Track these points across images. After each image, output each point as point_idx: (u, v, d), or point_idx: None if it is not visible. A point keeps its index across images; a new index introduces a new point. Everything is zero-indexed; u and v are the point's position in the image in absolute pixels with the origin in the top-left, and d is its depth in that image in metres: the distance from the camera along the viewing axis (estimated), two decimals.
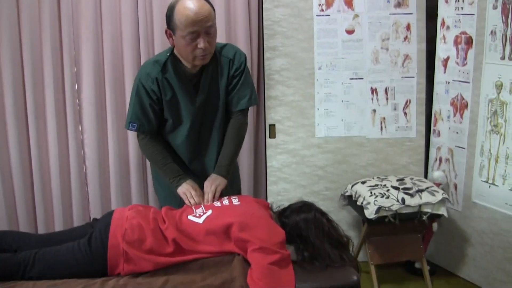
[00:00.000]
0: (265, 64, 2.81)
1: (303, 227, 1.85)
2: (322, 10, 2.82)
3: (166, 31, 1.97)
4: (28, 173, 2.81)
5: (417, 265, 2.90)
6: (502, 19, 2.39)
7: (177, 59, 2.05)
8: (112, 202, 2.82)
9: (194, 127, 2.12)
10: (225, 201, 1.98)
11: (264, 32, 2.80)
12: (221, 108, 2.15)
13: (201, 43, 1.89)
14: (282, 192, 2.90)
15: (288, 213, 1.93)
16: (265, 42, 2.80)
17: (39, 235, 2.11)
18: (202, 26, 1.87)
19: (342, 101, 2.87)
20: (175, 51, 2.05)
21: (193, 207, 1.95)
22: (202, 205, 1.95)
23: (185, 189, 2.03)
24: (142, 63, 2.67)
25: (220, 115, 2.16)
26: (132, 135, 2.76)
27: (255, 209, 1.88)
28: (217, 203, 1.96)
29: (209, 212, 1.88)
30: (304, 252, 1.82)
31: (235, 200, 1.97)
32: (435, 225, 2.77)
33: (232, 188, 2.24)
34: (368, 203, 2.53)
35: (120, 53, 2.75)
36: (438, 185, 2.76)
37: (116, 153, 2.79)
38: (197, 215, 1.87)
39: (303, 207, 1.93)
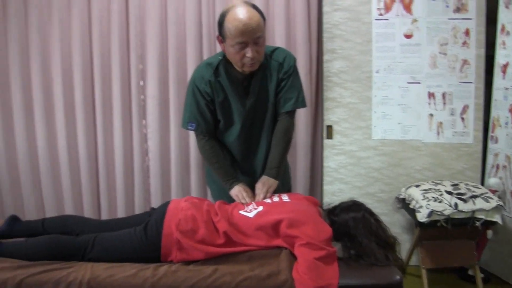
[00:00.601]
0: (323, 66, 2.99)
1: (352, 225, 1.97)
2: (381, 14, 2.98)
3: (217, 37, 2.12)
4: (94, 163, 3.11)
5: (470, 272, 2.99)
6: None
7: (229, 63, 2.18)
8: (172, 194, 3.07)
9: (244, 127, 2.27)
10: (275, 198, 2.14)
11: (324, 35, 2.98)
12: (270, 110, 2.31)
13: (249, 53, 2.03)
14: (337, 192, 3.06)
15: (338, 211, 2.05)
16: (324, 45, 2.99)
17: (99, 221, 2.38)
18: (251, 37, 2.01)
19: (399, 105, 3.01)
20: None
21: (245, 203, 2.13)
22: (254, 202, 2.12)
23: (237, 191, 2.19)
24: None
25: (269, 116, 2.33)
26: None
27: (304, 206, 2.02)
28: (268, 200, 2.12)
29: (260, 208, 2.03)
30: (350, 250, 1.94)
31: (285, 197, 2.15)
32: (489, 232, 2.85)
33: (283, 186, 2.41)
34: (421, 207, 2.66)
35: (184, 53, 3.00)
36: (494, 192, 2.84)
37: (177, 147, 3.04)
38: (248, 210, 2.04)
39: (353, 206, 2.05)
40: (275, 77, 2.24)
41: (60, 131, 3.06)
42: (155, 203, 3.04)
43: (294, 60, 2.30)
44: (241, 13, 2.00)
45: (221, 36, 2.08)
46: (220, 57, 2.20)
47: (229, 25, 2.01)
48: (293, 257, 1.87)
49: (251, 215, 2.00)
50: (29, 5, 2.98)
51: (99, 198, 3.13)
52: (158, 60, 2.98)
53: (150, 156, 3.08)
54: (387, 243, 1.97)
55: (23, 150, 3.08)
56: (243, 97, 2.24)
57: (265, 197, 2.16)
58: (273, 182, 2.24)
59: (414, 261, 3.01)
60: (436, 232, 2.72)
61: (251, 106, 2.25)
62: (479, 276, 2.81)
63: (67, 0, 2.97)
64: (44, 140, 3.07)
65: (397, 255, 1.98)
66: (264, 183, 2.20)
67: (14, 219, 2.22)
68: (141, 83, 3.05)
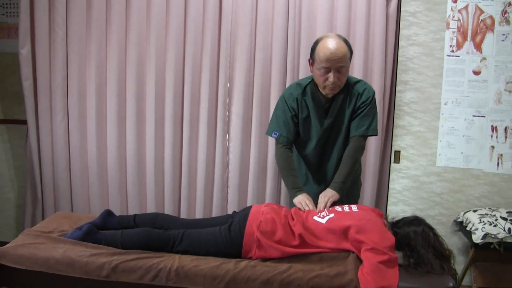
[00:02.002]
0: (396, 96, 3.60)
1: (412, 237, 2.43)
2: (453, 51, 3.56)
3: (309, 60, 2.77)
4: (178, 172, 3.79)
5: None
6: None
7: (315, 86, 2.81)
8: (248, 203, 3.69)
9: (319, 143, 2.89)
10: (346, 208, 2.61)
11: (398, 67, 3.58)
12: (343, 131, 2.88)
13: (330, 78, 2.66)
14: (400, 213, 3.68)
15: (401, 224, 2.55)
16: (398, 76, 3.59)
17: (185, 219, 2.97)
18: (334, 65, 2.63)
19: (464, 136, 3.61)
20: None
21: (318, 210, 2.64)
22: (326, 210, 2.63)
23: (301, 199, 2.72)
24: (286, 86, 3.57)
25: (341, 137, 2.92)
26: (271, 146, 3.63)
27: (371, 216, 2.50)
28: (339, 209, 2.61)
29: (332, 215, 2.54)
30: (410, 258, 2.40)
31: (354, 208, 2.60)
32: None
33: (350, 201, 3.01)
34: (476, 229, 3.27)
35: (268, 76, 3.64)
36: None
37: (256, 160, 3.69)
38: (321, 216, 2.55)
39: (414, 221, 2.55)
40: (353, 104, 2.89)
41: (149, 141, 3.74)
42: (231, 211, 3.66)
43: (373, 93, 2.96)
44: (331, 43, 2.64)
45: (312, 59, 2.73)
46: (309, 80, 2.84)
47: (319, 51, 2.65)
48: (359, 261, 2.34)
49: (323, 221, 2.51)
50: (129, 23, 3.65)
51: (180, 203, 3.82)
52: (244, 81, 3.62)
53: (230, 168, 3.72)
54: (443, 255, 2.45)
55: (114, 156, 3.77)
56: (323, 117, 2.89)
57: (325, 207, 2.66)
58: (334, 195, 2.74)
59: (466, 281, 3.61)
60: (489, 255, 3.31)
61: (328, 126, 2.90)
62: None
63: (164, 21, 3.63)
64: (133, 148, 3.76)
65: (451, 266, 2.45)
66: (326, 194, 2.72)
67: (108, 214, 2.78)
68: (227, 100, 3.67)
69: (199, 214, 3.76)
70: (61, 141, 3.78)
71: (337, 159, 2.98)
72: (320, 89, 2.78)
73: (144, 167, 3.79)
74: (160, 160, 3.76)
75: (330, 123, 2.86)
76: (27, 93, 3.74)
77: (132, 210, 3.78)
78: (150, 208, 3.77)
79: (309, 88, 2.84)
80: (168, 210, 3.78)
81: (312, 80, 2.82)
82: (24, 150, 3.91)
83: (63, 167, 3.80)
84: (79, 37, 3.69)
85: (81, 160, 3.81)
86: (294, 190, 2.79)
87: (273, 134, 2.86)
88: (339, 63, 2.64)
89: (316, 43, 2.71)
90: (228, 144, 3.74)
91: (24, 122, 3.84)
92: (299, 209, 2.71)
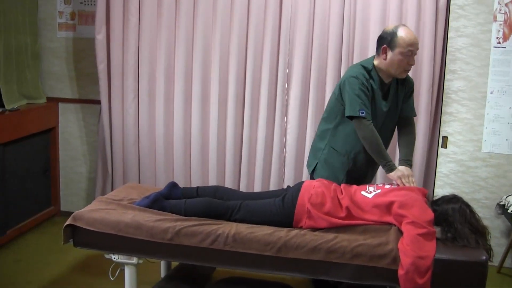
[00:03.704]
0: (444, 85, 4.24)
1: (450, 213, 2.83)
2: (499, 42, 4.21)
3: (384, 48, 3.22)
4: (239, 150, 4.62)
5: None
6: None
7: (377, 70, 3.30)
8: None
9: (377, 126, 3.27)
10: (394, 186, 3.10)
11: (447, 57, 4.24)
12: (397, 114, 3.45)
13: (412, 61, 3.24)
14: None
15: (440, 202, 2.96)
16: (447, 66, 4.25)
17: (243, 192, 3.48)
18: (416, 48, 3.24)
19: (508, 123, 4.25)
20: (378, 64, 3.29)
21: (367, 186, 3.08)
22: (374, 185, 3.09)
23: (400, 174, 3.16)
24: (341, 72, 4.34)
25: (396, 119, 3.47)
26: None
27: (414, 193, 2.93)
28: (387, 186, 3.07)
29: (379, 191, 2.98)
30: (448, 233, 2.78)
31: (400, 186, 3.11)
32: None
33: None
34: None
35: (325, 62, 4.42)
36: None
37: (311, 141, 4.33)
38: (369, 191, 2.99)
39: (453, 199, 2.94)
40: (405, 89, 3.53)
41: (212, 121, 4.57)
42: None
43: (413, 81, 3.66)
44: (409, 30, 3.27)
45: (390, 46, 3.22)
46: (371, 65, 3.32)
47: (403, 37, 3.18)
48: (400, 233, 2.75)
49: (370, 195, 2.96)
50: (196, 11, 4.45)
51: (239, 180, 4.63)
52: (302, 67, 4.40)
53: (287, 148, 4.46)
54: (479, 230, 2.82)
55: (179, 133, 4.62)
56: (383, 101, 3.35)
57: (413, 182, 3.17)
58: (410, 171, 3.27)
59: (508, 263, 4.23)
60: None
61: (387, 109, 3.36)
62: None
63: (229, 10, 4.44)
64: (197, 127, 4.59)
65: (486, 241, 2.81)
66: (409, 173, 3.22)
67: (173, 185, 3.29)
68: (286, 85, 4.43)
69: (257, 190, 4.50)
70: (131, 119, 4.63)
71: (387, 140, 3.50)
72: (396, 74, 3.29)
73: (207, 144, 4.60)
74: (222, 139, 4.58)
75: (389, 106, 3.38)
76: (101, 75, 4.61)
77: (195, 184, 4.58)
78: (212, 183, 4.58)
79: (373, 72, 3.30)
80: (228, 185, 4.58)
81: (373, 65, 3.34)
82: (97, 127, 4.78)
83: (132, 143, 4.68)
84: (150, 24, 4.53)
85: (149, 137, 4.67)
86: (390, 163, 3.20)
87: (360, 113, 3.15)
88: (417, 47, 3.28)
89: (394, 31, 3.23)
90: (286, 126, 4.51)
91: (98, 102, 4.72)
92: (400, 184, 3.15)
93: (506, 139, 4.29)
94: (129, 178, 4.66)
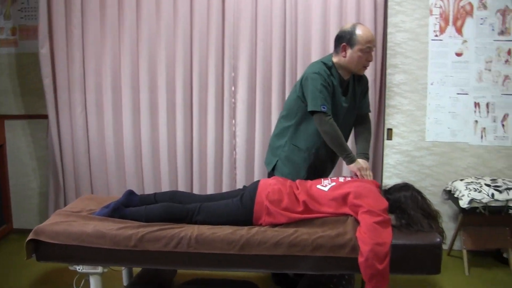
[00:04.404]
0: (386, 79, 4.37)
1: (403, 201, 2.97)
2: (436, 35, 4.36)
3: (343, 46, 3.33)
4: (189, 155, 4.64)
5: (504, 255, 4.29)
6: None
7: (337, 68, 3.40)
8: None
9: (338, 122, 3.36)
10: (348, 178, 3.19)
11: (388, 52, 4.37)
12: (356, 110, 3.56)
13: (371, 57, 3.39)
14: None
15: (392, 190, 3.09)
16: (387, 61, 4.39)
17: (200, 195, 3.46)
18: (373, 45, 3.37)
19: (449, 112, 4.40)
20: (337, 61, 3.39)
21: (322, 179, 3.17)
22: (329, 179, 3.18)
23: (360, 166, 3.32)
24: (285, 73, 4.45)
25: (354, 115, 3.58)
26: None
27: (367, 184, 3.07)
28: (341, 179, 3.16)
29: (334, 183, 3.08)
30: (401, 219, 2.92)
31: (353, 178, 3.23)
32: None
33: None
34: (463, 195, 4.04)
35: (269, 64, 4.47)
36: None
37: (261, 143, 4.50)
38: (324, 185, 3.09)
39: (404, 187, 3.09)
40: (362, 85, 3.65)
41: (162, 127, 4.58)
42: None
43: (368, 80, 3.77)
44: (367, 28, 3.42)
45: (349, 44, 3.34)
46: (331, 62, 3.42)
47: (362, 34, 3.31)
48: (357, 223, 2.85)
49: (326, 189, 3.06)
50: (140, 19, 4.47)
51: (192, 185, 4.65)
52: (247, 69, 4.45)
53: (237, 150, 4.52)
54: (431, 215, 2.98)
55: (130, 143, 4.62)
56: (343, 97, 3.44)
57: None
58: (368, 164, 3.40)
59: (457, 245, 4.41)
60: (476, 218, 4.08)
61: (346, 105, 3.45)
62: None
63: (172, 17, 4.46)
64: (147, 134, 4.60)
65: (438, 224, 2.97)
66: (367, 166, 3.37)
67: (131, 193, 3.28)
68: (233, 88, 4.51)
69: (210, 192, 4.54)
70: (80, 131, 4.61)
71: (346, 135, 3.58)
72: (356, 70, 3.43)
73: (158, 151, 4.61)
74: (173, 145, 4.59)
75: (349, 102, 3.48)
76: (47, 89, 4.57)
77: (148, 191, 4.59)
78: (165, 189, 4.57)
79: (333, 69, 3.40)
80: (181, 190, 4.57)
81: (333, 62, 3.43)
82: (46, 142, 4.73)
83: (83, 155, 4.65)
84: (94, 36, 4.52)
85: (100, 148, 4.65)
86: (350, 155, 3.33)
87: (322, 108, 3.25)
88: (375, 44, 3.43)
89: (352, 29, 3.35)
90: (235, 128, 4.56)
91: (45, 116, 4.68)
92: (359, 176, 3.32)
93: (448, 128, 4.42)
94: (81, 190, 4.64)
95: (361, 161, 3.39)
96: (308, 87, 3.34)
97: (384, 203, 2.92)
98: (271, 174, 3.61)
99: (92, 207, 3.35)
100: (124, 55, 4.51)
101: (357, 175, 3.37)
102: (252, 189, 3.12)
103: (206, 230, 2.91)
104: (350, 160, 3.35)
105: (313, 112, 3.33)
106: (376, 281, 2.71)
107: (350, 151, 3.37)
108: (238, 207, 3.05)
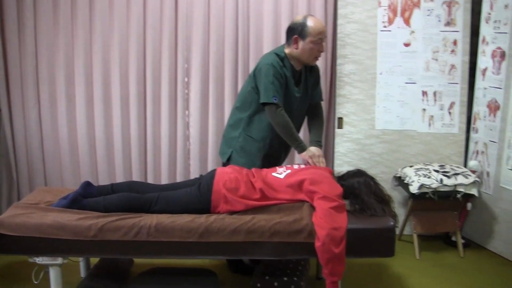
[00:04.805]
0: (337, 69, 4.46)
1: (356, 187, 3.10)
2: (385, 26, 4.46)
3: (295, 38, 3.38)
4: (143, 147, 4.65)
5: (453, 238, 4.41)
6: None
7: (289, 59, 3.47)
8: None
9: (291, 112, 3.45)
10: (302, 166, 3.30)
11: (338, 43, 4.46)
12: (309, 99, 3.66)
13: (323, 48, 3.45)
14: None
15: (346, 177, 3.22)
16: (338, 51, 4.47)
17: (158, 185, 3.49)
18: (324, 36, 3.45)
19: (398, 101, 4.50)
20: (289, 53, 3.45)
21: (277, 167, 3.26)
22: (284, 166, 3.26)
23: (311, 154, 3.40)
24: (238, 65, 4.50)
25: (307, 105, 3.68)
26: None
27: (322, 171, 3.18)
28: (296, 166, 3.26)
29: (289, 171, 3.16)
30: (356, 205, 3.04)
31: (308, 166, 3.33)
32: (469, 205, 4.33)
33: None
34: (413, 181, 4.14)
35: (222, 55, 4.51)
36: (474, 172, 4.29)
37: (214, 133, 4.54)
38: (279, 172, 3.16)
39: (357, 173, 3.23)
40: (314, 75, 3.72)
41: (116, 120, 4.57)
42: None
43: (319, 69, 3.84)
44: (318, 20, 3.48)
45: (301, 36, 3.39)
46: (283, 53, 3.48)
47: (313, 26, 3.37)
48: (312, 208, 2.94)
49: (281, 176, 3.13)
50: (93, 12, 4.47)
51: (146, 176, 4.67)
52: (200, 61, 4.49)
53: (191, 141, 4.56)
54: (383, 199, 3.12)
55: (83, 136, 4.59)
56: (296, 87, 3.52)
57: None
58: (321, 151, 3.48)
59: (407, 230, 4.50)
60: (425, 204, 4.19)
61: (300, 95, 3.54)
62: (460, 241, 4.28)
63: (125, 10, 4.46)
64: (101, 127, 4.57)
65: (391, 209, 3.12)
66: (320, 153, 3.45)
67: (88, 184, 3.28)
68: (186, 79, 4.55)
69: (164, 181, 4.58)
70: (33, 125, 4.57)
71: (300, 124, 3.71)
72: (308, 61, 3.49)
73: (112, 143, 4.60)
74: (127, 136, 4.59)
75: (301, 92, 3.56)
76: None
77: (103, 183, 4.55)
78: (119, 180, 4.55)
79: (286, 60, 3.46)
80: (136, 175, 4.63)
81: (285, 53, 3.48)
82: None
83: (36, 148, 4.60)
84: (47, 28, 4.48)
85: (53, 141, 4.62)
86: (301, 144, 3.41)
87: (273, 100, 3.32)
88: (326, 35, 3.55)
89: (303, 21, 3.40)
90: (188, 119, 4.59)
91: None
92: (311, 163, 3.37)
93: (397, 116, 4.52)
94: (35, 183, 4.60)
95: (313, 149, 3.47)
96: (260, 79, 3.40)
97: (339, 189, 3.00)
98: (225, 164, 3.63)
99: (49, 198, 3.34)
100: (77, 48, 4.48)
101: (309, 163, 3.42)
102: (209, 178, 3.16)
103: (166, 219, 2.94)
104: (301, 149, 3.43)
105: (264, 104, 3.39)
106: (333, 264, 2.80)
107: (301, 141, 3.44)
108: (196, 196, 3.08)
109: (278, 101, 3.35)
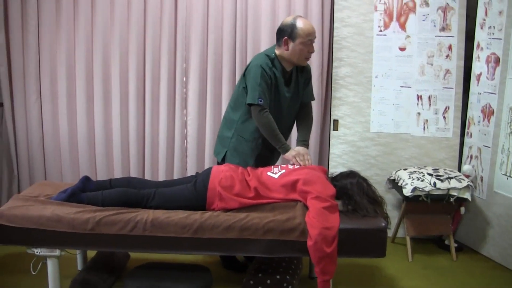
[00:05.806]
0: (333, 72, 4.50)
1: (349, 187, 3.10)
2: (381, 30, 4.49)
3: (285, 40, 3.36)
4: (141, 144, 4.66)
5: (446, 242, 4.40)
6: None
7: (279, 59, 3.45)
8: None
9: (280, 112, 3.49)
10: (296, 166, 3.28)
11: (334, 46, 4.50)
12: (299, 99, 3.63)
13: (312, 49, 3.43)
14: None
15: (339, 177, 3.21)
16: (334, 54, 4.50)
17: (155, 181, 3.48)
18: (314, 37, 3.41)
19: (393, 104, 4.52)
20: (279, 54, 3.43)
21: (272, 167, 3.28)
22: (279, 166, 3.26)
23: (295, 154, 3.39)
24: (235, 65, 4.50)
25: (298, 104, 3.64)
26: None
27: (315, 171, 3.16)
28: (290, 166, 3.26)
29: (283, 171, 3.18)
30: (348, 205, 3.07)
31: (302, 166, 3.30)
32: (462, 209, 4.30)
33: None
34: (406, 184, 4.12)
35: (220, 56, 4.53)
36: (467, 176, 4.26)
37: (211, 132, 4.55)
38: (274, 172, 3.18)
39: (350, 174, 3.22)
40: (304, 75, 3.70)
41: (115, 117, 4.60)
42: None
43: (311, 69, 3.83)
44: (307, 21, 3.45)
45: (291, 38, 3.37)
46: (273, 54, 3.46)
47: (303, 27, 3.36)
48: (305, 208, 2.96)
49: (276, 176, 3.15)
50: (94, 11, 4.51)
51: (144, 173, 4.68)
52: (199, 61, 4.51)
53: (188, 139, 4.60)
54: (376, 200, 3.12)
55: (83, 131, 4.62)
56: (286, 88, 3.50)
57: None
58: (307, 150, 3.47)
59: (401, 233, 4.49)
60: (418, 206, 4.17)
61: (290, 96, 3.52)
62: (453, 245, 4.26)
63: (126, 9, 4.50)
64: (101, 123, 4.61)
65: (383, 210, 3.12)
66: (305, 152, 3.44)
67: (87, 179, 3.31)
68: (184, 79, 4.58)
69: (161, 179, 4.61)
70: (35, 120, 4.61)
71: (291, 124, 3.70)
72: (298, 62, 3.47)
73: (111, 140, 4.64)
74: (125, 133, 4.62)
75: (292, 92, 3.55)
76: (2, 77, 4.56)
77: (101, 179, 4.58)
78: (117, 177, 4.58)
79: (276, 61, 3.44)
80: (134, 174, 4.65)
81: (275, 54, 3.48)
82: (0, 130, 4.73)
83: (37, 143, 4.64)
84: (49, 26, 4.52)
85: (54, 137, 4.65)
86: (285, 146, 3.42)
87: (258, 101, 3.32)
88: (316, 36, 3.46)
89: (293, 23, 3.38)
90: (186, 118, 4.62)
91: (0, 104, 4.67)
92: (295, 163, 3.36)
93: (392, 119, 4.53)
94: (35, 178, 4.63)
95: (298, 148, 3.47)
96: (249, 79, 3.42)
97: (332, 189, 3.02)
98: (220, 164, 3.67)
99: (49, 192, 3.38)
100: (78, 45, 4.51)
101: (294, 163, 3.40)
102: (205, 175, 3.17)
103: (161, 215, 2.97)
104: (284, 150, 3.44)
105: (250, 105, 3.40)
106: (325, 263, 2.82)
107: (284, 142, 3.44)
108: (192, 193, 3.10)
109: (263, 102, 3.36)
